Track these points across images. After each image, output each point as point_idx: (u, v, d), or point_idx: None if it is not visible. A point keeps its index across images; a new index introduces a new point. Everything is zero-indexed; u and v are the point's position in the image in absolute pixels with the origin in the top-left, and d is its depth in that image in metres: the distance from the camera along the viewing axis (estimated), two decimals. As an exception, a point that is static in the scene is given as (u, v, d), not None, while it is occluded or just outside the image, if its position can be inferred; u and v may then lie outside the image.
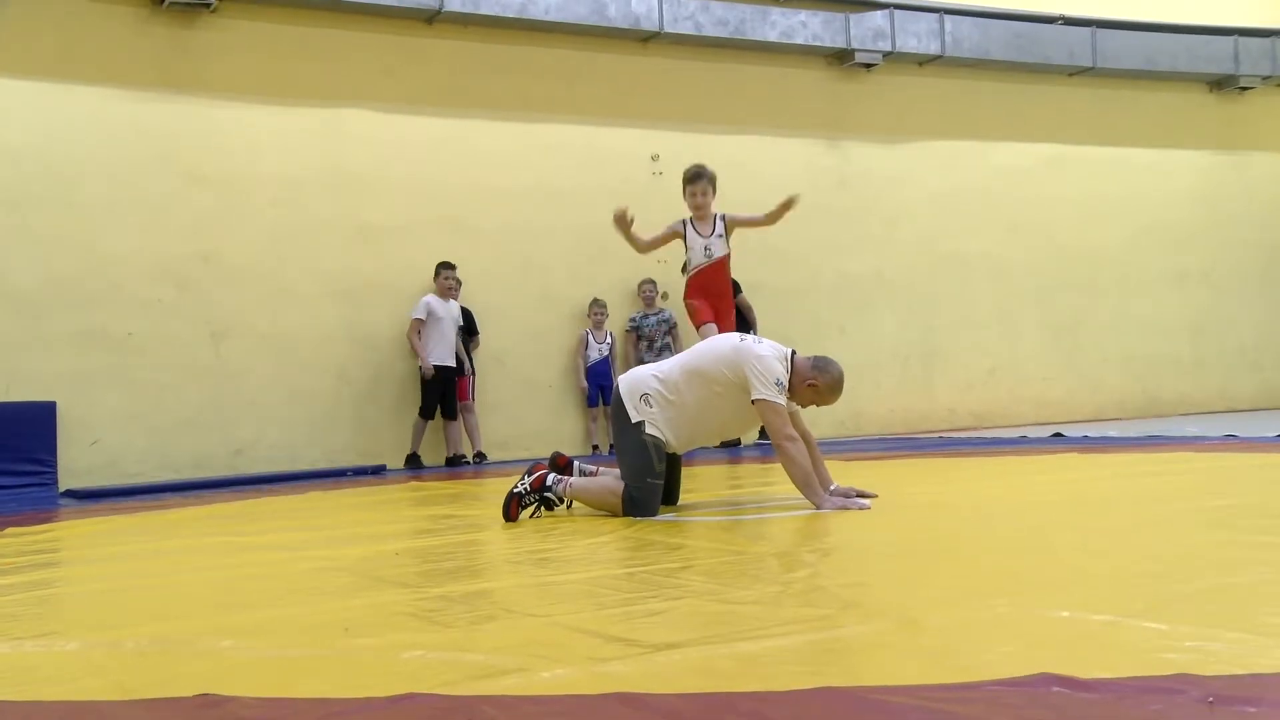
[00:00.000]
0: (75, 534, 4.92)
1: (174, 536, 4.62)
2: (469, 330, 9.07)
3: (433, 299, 8.60)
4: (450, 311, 8.66)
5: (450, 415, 8.74)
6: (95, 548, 4.41)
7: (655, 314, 9.50)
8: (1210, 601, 2.25)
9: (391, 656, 2.13)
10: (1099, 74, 11.56)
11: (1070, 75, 11.52)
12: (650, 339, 9.51)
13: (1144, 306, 11.73)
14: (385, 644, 2.22)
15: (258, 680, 2.01)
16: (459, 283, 8.91)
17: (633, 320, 9.58)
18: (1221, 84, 12.12)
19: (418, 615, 2.49)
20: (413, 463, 8.60)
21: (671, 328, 9.59)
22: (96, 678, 2.09)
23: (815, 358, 4.40)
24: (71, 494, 7.31)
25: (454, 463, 8.74)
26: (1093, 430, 9.17)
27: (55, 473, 7.69)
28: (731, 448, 9.11)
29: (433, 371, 8.45)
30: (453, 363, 8.61)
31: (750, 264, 10.05)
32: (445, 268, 8.67)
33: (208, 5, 8.28)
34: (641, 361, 9.24)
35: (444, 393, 8.63)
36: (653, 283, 9.49)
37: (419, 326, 8.51)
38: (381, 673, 2.03)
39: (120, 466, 7.97)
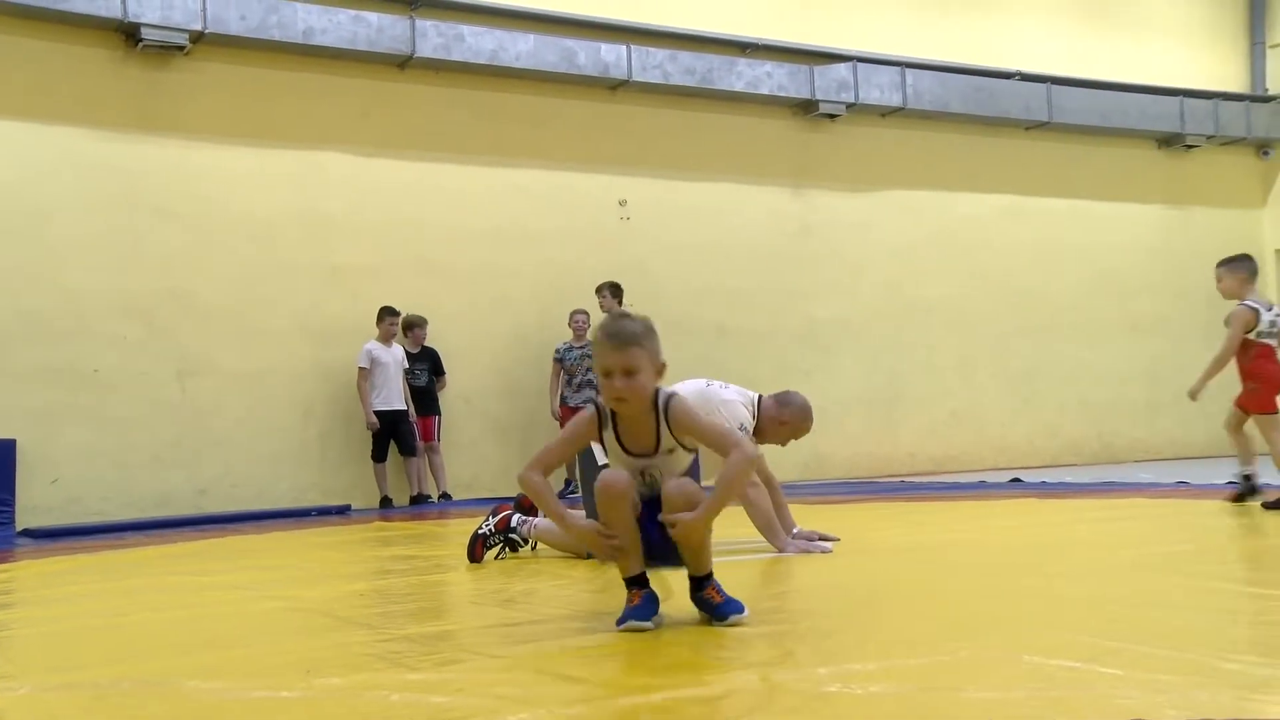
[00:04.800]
0: (31, 574, 4.85)
1: (135, 576, 4.58)
2: (435, 371, 9.09)
3: (374, 345, 8.65)
4: (394, 355, 8.71)
5: (408, 453, 8.73)
6: (52, 587, 4.35)
7: (581, 347, 9.00)
8: (1165, 646, 2.32)
9: (354, 698, 2.14)
10: (1055, 129, 11.87)
11: (1027, 129, 11.83)
12: (571, 373, 9.20)
13: (1099, 354, 11.96)
14: (348, 685, 2.24)
15: (222, 721, 2.02)
16: (425, 325, 8.96)
17: (558, 351, 9.22)
18: (1169, 142, 12.51)
19: (381, 656, 2.50)
20: (384, 504, 8.58)
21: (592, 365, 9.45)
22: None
23: (777, 396, 4.47)
24: (29, 533, 7.20)
25: (418, 501, 8.70)
26: (1050, 476, 9.30)
27: (13, 511, 7.57)
28: None
29: (377, 425, 8.49)
30: (400, 405, 8.65)
31: (717, 308, 10.18)
32: (389, 314, 8.72)
33: (182, 48, 8.32)
34: (563, 396, 9.26)
35: (393, 434, 8.64)
36: (585, 314, 9.08)
37: (365, 375, 8.55)
38: (344, 715, 2.04)
39: (83, 504, 7.86)
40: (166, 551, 5.59)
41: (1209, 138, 12.51)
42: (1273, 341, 5.49)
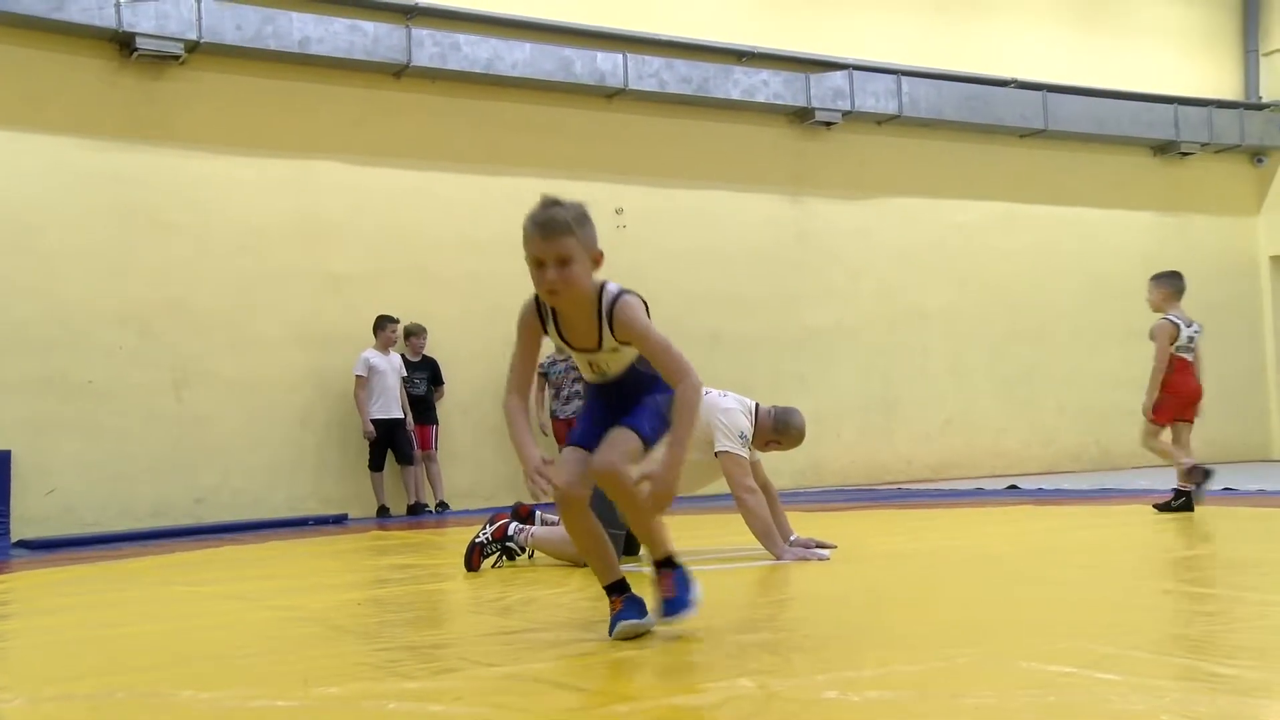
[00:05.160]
0: (27, 584, 4.84)
1: (131, 586, 4.57)
2: (434, 380, 9.09)
3: (371, 353, 8.64)
4: (392, 364, 8.70)
5: (405, 461, 8.72)
6: (48, 598, 4.34)
7: (564, 360, 8.80)
8: (1161, 652, 2.32)
9: (351, 707, 2.14)
10: (1050, 136, 11.91)
11: (1022, 136, 11.86)
12: (557, 385, 9.09)
13: (1095, 361, 11.98)
14: (345, 695, 2.23)
15: (219, 731, 2.01)
16: (425, 334, 8.96)
17: (542, 365, 8.97)
18: (1164, 149, 12.55)
19: (378, 666, 2.50)
20: (382, 513, 8.57)
21: (579, 376, 9.32)
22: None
23: (777, 412, 4.47)
24: (24, 544, 7.18)
25: (415, 510, 8.70)
26: (1047, 482, 9.32)
27: (8, 522, 7.55)
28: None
29: (374, 434, 8.47)
30: (398, 414, 8.64)
31: (713, 315, 10.18)
32: (389, 321, 8.72)
33: (177, 57, 8.33)
34: (552, 410, 9.22)
35: (390, 443, 8.64)
36: None
37: (363, 383, 8.54)
38: (343, 723, 2.04)
39: (78, 515, 7.84)
40: (163, 562, 5.58)
41: (1204, 145, 12.55)
42: (1189, 356, 5.77)
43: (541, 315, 2.70)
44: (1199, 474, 5.59)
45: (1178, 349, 5.75)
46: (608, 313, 2.62)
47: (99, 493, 7.96)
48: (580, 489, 2.65)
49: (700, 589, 2.73)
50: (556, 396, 9.10)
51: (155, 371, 8.27)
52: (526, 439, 2.71)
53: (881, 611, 3.09)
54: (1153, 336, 5.84)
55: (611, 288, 2.65)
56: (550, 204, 2.62)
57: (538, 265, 2.58)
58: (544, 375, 9.10)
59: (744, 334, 10.30)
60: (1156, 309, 5.95)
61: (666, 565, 2.70)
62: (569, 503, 2.64)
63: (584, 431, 2.74)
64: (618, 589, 2.72)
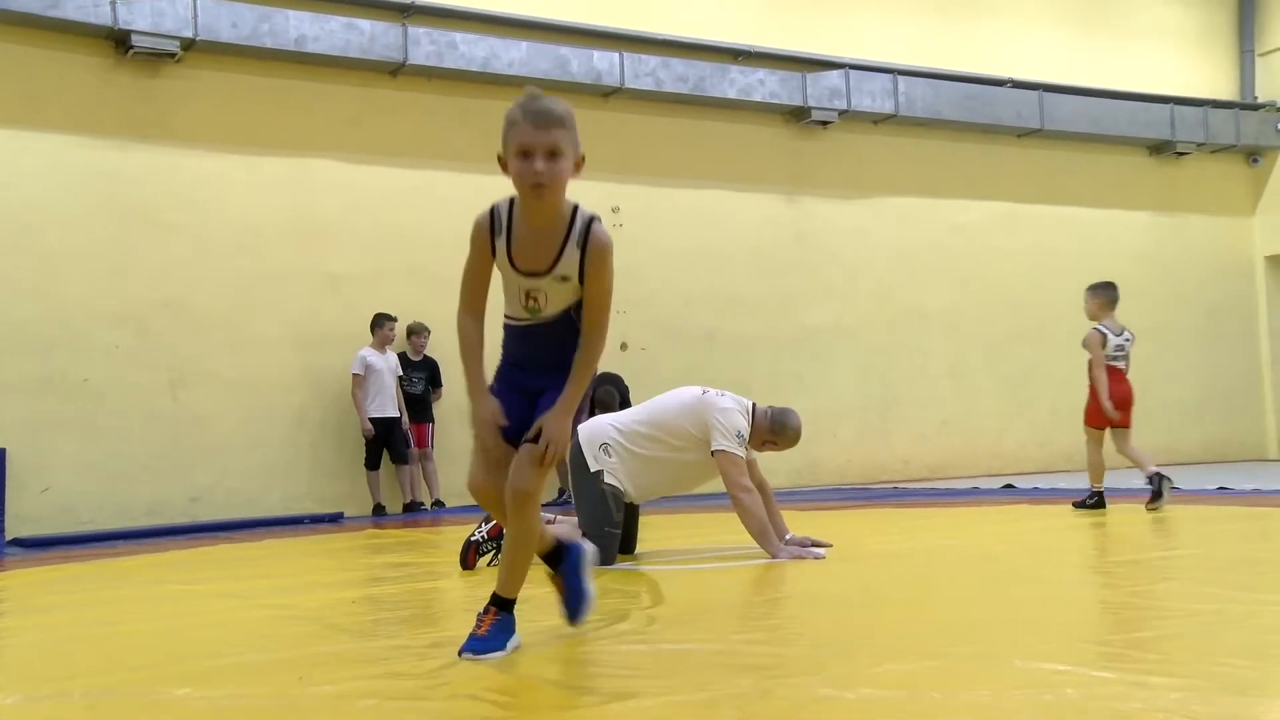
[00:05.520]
0: (22, 583, 4.83)
1: (126, 585, 4.56)
2: (433, 381, 9.08)
3: (368, 352, 8.64)
4: (388, 363, 8.70)
5: (400, 460, 8.72)
6: (43, 596, 4.33)
7: None
8: (1156, 651, 2.33)
9: (347, 705, 2.14)
10: (1046, 136, 11.91)
11: (1019, 136, 11.87)
12: None
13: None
14: (340, 693, 2.23)
15: (214, 729, 2.01)
16: (427, 334, 8.94)
17: None
18: (1160, 149, 12.56)
19: (374, 664, 2.50)
20: (377, 512, 8.57)
21: None
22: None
23: (774, 413, 4.47)
24: (19, 542, 7.17)
25: (411, 509, 8.69)
26: (1043, 482, 9.32)
27: (4, 520, 7.53)
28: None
29: (373, 432, 8.47)
30: (394, 412, 8.65)
31: (710, 314, 10.19)
32: (386, 319, 8.72)
33: (173, 55, 8.31)
34: None
35: (386, 442, 8.64)
36: None
37: (359, 382, 8.54)
38: (338, 721, 2.04)
39: (74, 514, 7.82)
40: (158, 560, 5.57)
41: (1199, 145, 12.57)
42: (1120, 363, 6.18)
43: (494, 228, 2.49)
44: (1095, 497, 6.15)
45: (1108, 356, 6.14)
46: (582, 232, 2.45)
47: (95, 491, 7.94)
48: (495, 486, 2.56)
49: (512, 645, 2.49)
50: None
51: (152, 371, 8.25)
52: (478, 373, 2.55)
53: (877, 610, 3.09)
54: (1086, 346, 6.28)
55: (585, 210, 2.50)
56: (539, 95, 2.48)
57: (523, 155, 2.40)
58: None
59: (741, 334, 10.31)
60: (1092, 318, 6.30)
61: (502, 606, 2.52)
62: (489, 499, 2.59)
63: (508, 411, 2.52)
64: (504, 606, 2.54)
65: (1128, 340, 6.25)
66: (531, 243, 2.48)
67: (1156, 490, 5.79)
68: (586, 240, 2.46)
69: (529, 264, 2.49)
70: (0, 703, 2.27)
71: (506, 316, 2.62)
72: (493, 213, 2.52)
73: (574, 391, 2.49)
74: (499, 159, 2.49)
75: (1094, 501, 6.15)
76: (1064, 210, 12.06)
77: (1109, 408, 6.13)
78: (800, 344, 10.66)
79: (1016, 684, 2.05)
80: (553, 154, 2.39)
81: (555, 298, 2.51)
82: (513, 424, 2.52)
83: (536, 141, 2.39)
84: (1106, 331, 6.21)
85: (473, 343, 2.56)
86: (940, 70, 11.30)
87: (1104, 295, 6.31)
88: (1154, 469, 5.87)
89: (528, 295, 2.51)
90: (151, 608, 3.78)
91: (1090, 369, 6.23)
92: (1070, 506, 6.29)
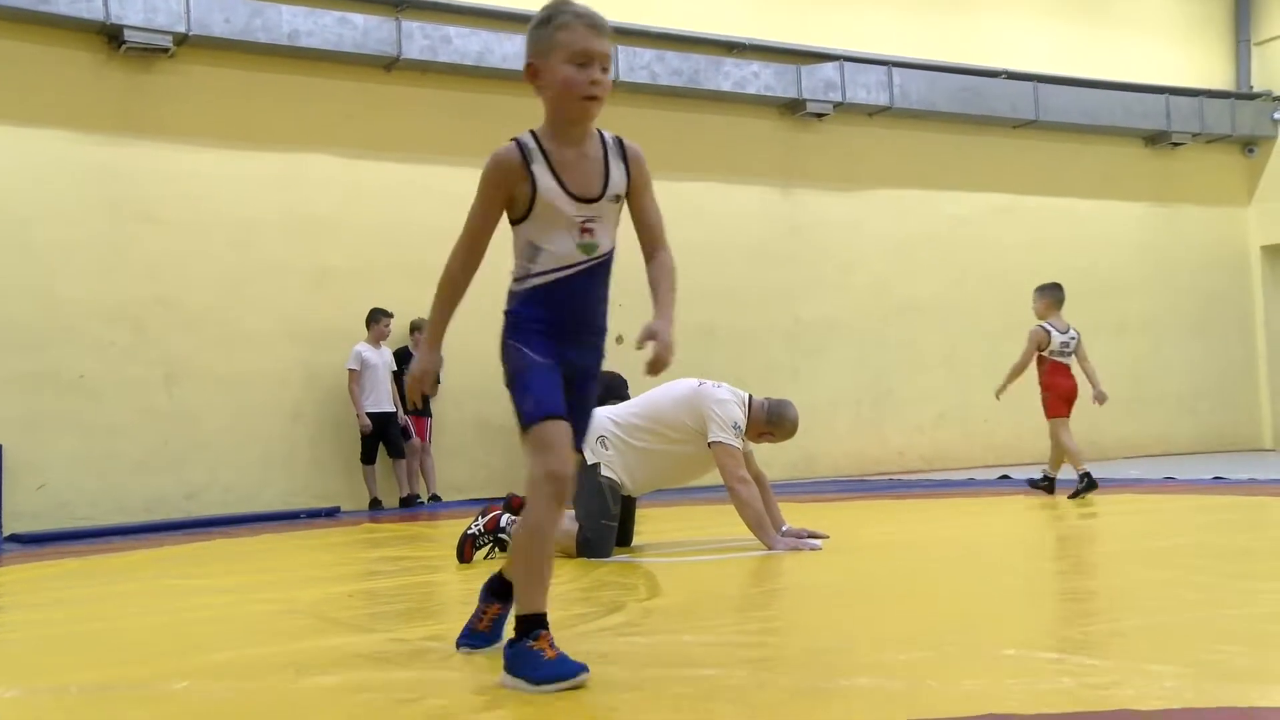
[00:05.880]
0: (19, 579, 4.83)
1: (124, 580, 4.56)
2: (431, 376, 9.08)
3: (364, 347, 8.64)
4: (383, 358, 8.70)
5: (396, 454, 8.72)
6: (40, 592, 4.33)
7: None
8: (1150, 638, 2.34)
9: (345, 699, 2.14)
10: (1041, 127, 11.91)
11: (1014, 128, 11.86)
12: None
13: (1086, 350, 12.00)
14: (338, 686, 2.24)
15: (211, 722, 2.01)
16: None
17: None
18: (1155, 140, 12.57)
19: (371, 657, 2.50)
20: (374, 506, 8.57)
21: None
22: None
23: (770, 405, 4.48)
24: (16, 538, 7.17)
25: (408, 503, 8.69)
26: (1038, 472, 9.33)
27: (0, 517, 7.52)
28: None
29: (370, 427, 8.47)
30: (390, 407, 8.65)
31: (705, 308, 10.18)
32: (382, 315, 8.71)
33: (165, 50, 8.29)
34: None
35: (383, 436, 8.64)
36: None
37: (355, 377, 8.54)
38: (334, 716, 2.04)
39: (70, 510, 7.82)
40: (155, 555, 5.57)
41: (1195, 135, 12.57)
42: (1065, 360, 6.61)
43: (526, 158, 2.24)
44: (1085, 479, 6.32)
45: (1051, 353, 6.57)
46: (616, 146, 2.29)
47: (91, 487, 7.94)
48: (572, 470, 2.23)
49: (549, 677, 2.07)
50: None
51: (147, 367, 8.24)
52: (444, 324, 2.41)
53: (873, 601, 3.10)
54: (1029, 339, 6.71)
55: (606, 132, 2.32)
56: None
57: (580, 63, 2.17)
58: None
59: (736, 327, 10.30)
60: (1040, 316, 6.70)
61: (535, 625, 2.12)
62: (563, 486, 2.18)
63: (554, 395, 2.28)
64: (541, 623, 2.16)
65: (1072, 338, 6.61)
66: (580, 166, 2.26)
67: (1046, 486, 6.51)
68: (624, 153, 2.32)
69: (583, 189, 2.26)
70: (1, 696, 2.27)
71: (540, 274, 2.33)
72: (520, 145, 2.27)
73: (672, 300, 2.32)
74: (529, 69, 2.26)
75: (1085, 485, 6.26)
76: (1059, 201, 12.06)
77: (999, 388, 6.75)
78: (795, 337, 10.66)
79: (1012, 673, 2.06)
80: (605, 66, 2.21)
81: (607, 225, 2.33)
82: (562, 399, 2.28)
83: (597, 48, 2.18)
84: (1051, 329, 6.58)
85: (457, 293, 2.40)
86: (935, 62, 11.30)
87: (1051, 296, 6.70)
88: (1086, 468, 6.32)
89: (583, 228, 2.27)
90: (149, 603, 3.78)
91: (1038, 364, 6.63)
92: (1066, 499, 6.32)
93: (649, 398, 4.58)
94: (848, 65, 10.81)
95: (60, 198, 8.11)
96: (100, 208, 8.22)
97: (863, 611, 2.91)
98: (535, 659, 2.09)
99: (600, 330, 2.39)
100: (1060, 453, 6.55)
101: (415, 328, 8.92)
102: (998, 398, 6.89)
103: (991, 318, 11.61)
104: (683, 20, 10.29)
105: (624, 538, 4.56)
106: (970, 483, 8.54)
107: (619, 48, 9.83)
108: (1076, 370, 6.70)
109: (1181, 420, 12.38)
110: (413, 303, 9.05)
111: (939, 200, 11.48)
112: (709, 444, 4.32)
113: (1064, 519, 5.39)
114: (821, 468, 10.47)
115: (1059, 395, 6.56)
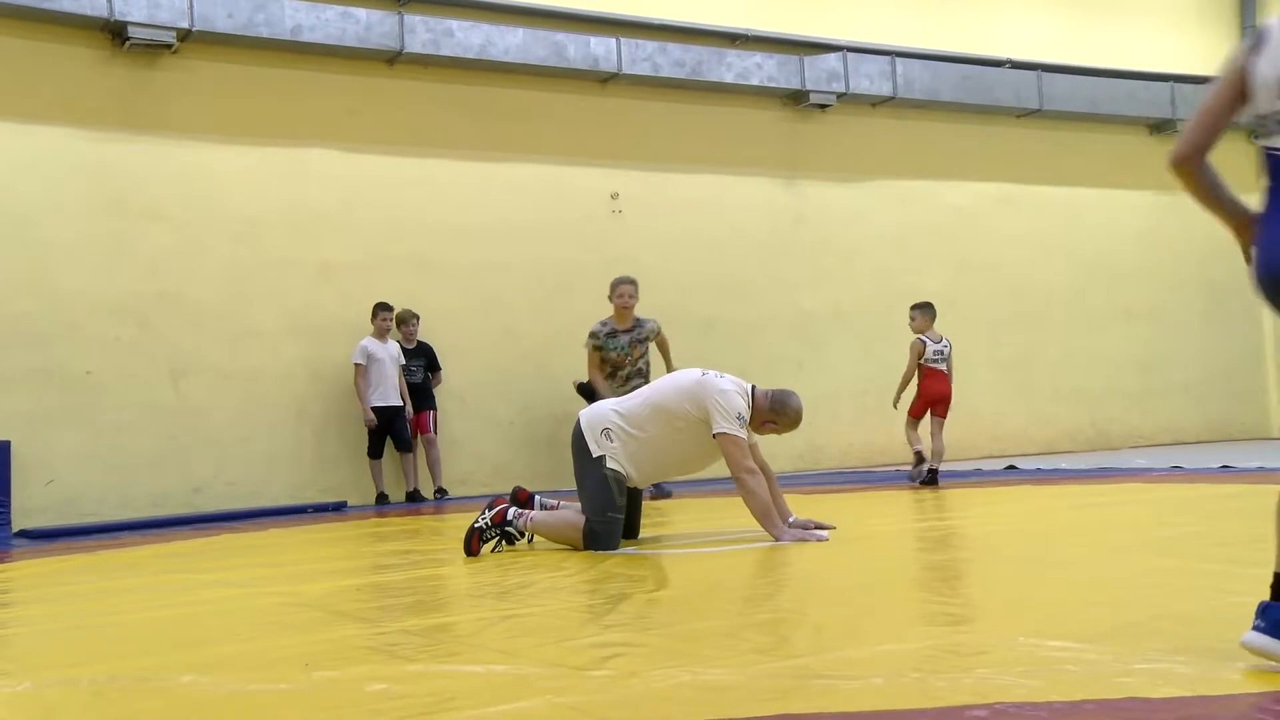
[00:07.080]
0: (29, 573, 4.85)
1: (132, 575, 4.58)
2: (431, 366, 9.08)
3: (369, 341, 8.63)
4: (389, 351, 8.69)
5: (404, 448, 8.73)
6: (49, 587, 4.35)
7: (629, 330, 7.55)
8: (1159, 627, 2.33)
9: (353, 690, 2.15)
10: (1046, 116, 11.86)
11: (1018, 117, 11.82)
12: (617, 364, 7.47)
13: (1092, 342, 11.98)
14: (346, 678, 2.24)
15: (218, 716, 2.03)
16: (417, 320, 8.93)
17: (597, 335, 7.53)
18: (1161, 128, 12.50)
19: (379, 650, 2.51)
20: (381, 500, 8.58)
21: (645, 354, 7.70)
22: (50, 718, 2.08)
23: (773, 395, 4.47)
24: (26, 534, 7.19)
25: (414, 498, 8.70)
26: (1045, 463, 9.33)
27: (9, 513, 7.55)
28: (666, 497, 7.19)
29: (375, 421, 8.48)
30: (397, 401, 8.64)
31: (708, 299, 10.18)
32: (383, 309, 8.71)
33: (169, 46, 8.28)
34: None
35: (389, 430, 8.65)
36: (633, 283, 7.61)
37: (361, 371, 8.54)
38: (343, 707, 2.05)
39: (77, 505, 7.84)
40: (162, 550, 5.59)
41: (1200, 123, 12.52)
42: (939, 366, 7.65)
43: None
44: (920, 459, 7.52)
45: (926, 360, 7.61)
46: None
47: (99, 483, 7.96)
48: None
49: None
50: (613, 376, 7.43)
51: (153, 363, 8.26)
52: (1233, 197, 2.21)
53: (880, 591, 3.10)
54: (910, 351, 7.72)
55: None
56: None
57: None
58: (599, 349, 7.49)
59: (740, 319, 10.30)
60: (917, 331, 7.70)
61: None
62: None
63: None
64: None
65: (945, 348, 7.71)
66: None
67: (930, 479, 7.34)
68: None
69: None
70: (10, 690, 2.29)
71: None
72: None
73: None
74: None
75: (923, 471, 7.44)
76: (1064, 191, 12.02)
77: (895, 398, 7.76)
78: (799, 328, 10.65)
79: (1020, 662, 2.06)
80: None
81: None
82: None
83: None
84: (927, 341, 7.65)
85: (1212, 179, 2.21)
86: (938, 52, 11.26)
87: (927, 313, 7.74)
88: (939, 465, 7.44)
89: None
90: (157, 597, 3.79)
91: (918, 371, 7.66)
92: (910, 480, 7.37)
93: (653, 389, 4.59)
94: (851, 56, 10.78)
95: (64, 194, 8.12)
96: (104, 204, 8.23)
97: (870, 601, 2.91)
98: None
99: None
100: (941, 447, 7.55)
101: (401, 320, 8.86)
102: (895, 407, 7.85)
103: (996, 308, 11.60)
104: (685, 12, 10.27)
105: (630, 529, 4.57)
106: (977, 473, 8.53)
107: (621, 40, 9.83)
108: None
109: (1188, 409, 12.35)
110: (416, 296, 9.07)
111: (943, 190, 11.46)
112: (714, 435, 4.32)
113: (1072, 509, 5.38)
114: (827, 459, 10.47)
115: (926, 398, 7.62)
